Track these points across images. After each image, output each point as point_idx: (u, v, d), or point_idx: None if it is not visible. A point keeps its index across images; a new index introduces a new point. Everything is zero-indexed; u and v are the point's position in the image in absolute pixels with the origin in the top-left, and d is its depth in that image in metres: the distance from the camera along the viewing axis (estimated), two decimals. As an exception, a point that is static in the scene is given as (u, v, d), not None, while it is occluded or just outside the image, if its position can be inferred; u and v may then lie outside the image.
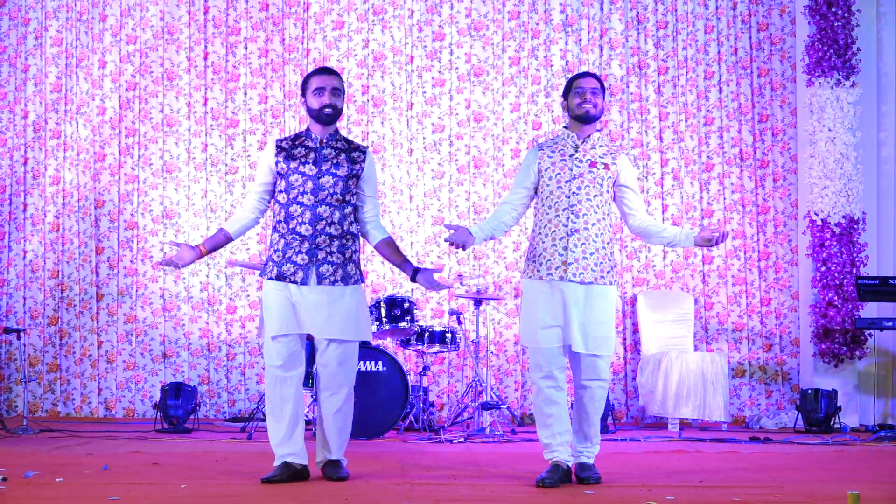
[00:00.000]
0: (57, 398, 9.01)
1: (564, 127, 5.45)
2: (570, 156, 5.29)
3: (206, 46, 9.34)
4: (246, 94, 9.33)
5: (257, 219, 5.38)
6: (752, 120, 9.51)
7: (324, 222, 5.15)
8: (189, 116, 9.28)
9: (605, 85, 9.27)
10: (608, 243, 5.28)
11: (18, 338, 7.89)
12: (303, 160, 5.19)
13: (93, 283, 9.09)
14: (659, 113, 9.49)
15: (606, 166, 5.28)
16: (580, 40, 9.48)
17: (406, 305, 7.89)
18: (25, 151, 9.20)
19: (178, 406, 7.92)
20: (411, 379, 7.96)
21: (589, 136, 5.34)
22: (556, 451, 5.19)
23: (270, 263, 5.20)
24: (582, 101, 5.26)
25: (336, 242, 5.18)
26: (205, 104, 9.31)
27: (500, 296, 8.51)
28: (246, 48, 9.36)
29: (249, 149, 9.27)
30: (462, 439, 7.32)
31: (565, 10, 9.50)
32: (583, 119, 5.29)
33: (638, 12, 9.55)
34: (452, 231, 5.19)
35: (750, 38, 9.55)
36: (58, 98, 9.23)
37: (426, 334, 7.93)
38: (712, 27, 9.55)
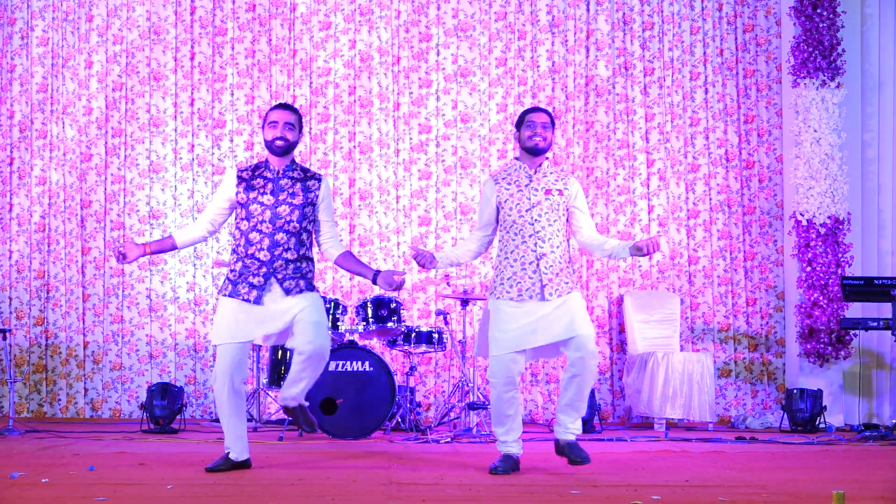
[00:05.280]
0: (43, 398, 8.99)
1: (515, 158, 5.84)
2: (526, 185, 5.71)
3: (192, 47, 9.34)
4: (233, 94, 9.33)
5: (206, 237, 5.83)
6: (738, 121, 9.54)
7: (281, 248, 5.56)
8: (175, 117, 9.27)
9: (585, 90, 9.36)
10: (568, 260, 5.74)
11: (4, 338, 7.86)
12: (261, 191, 5.60)
13: (79, 284, 9.07)
14: (645, 114, 9.51)
15: (560, 192, 5.71)
16: (566, 41, 9.50)
17: (393, 306, 7.90)
18: (11, 151, 9.17)
19: (164, 406, 7.91)
20: (398, 379, 7.97)
21: (540, 166, 5.76)
22: (511, 446, 5.65)
23: (226, 282, 5.62)
24: (532, 135, 5.68)
25: (291, 266, 5.58)
26: (191, 104, 9.30)
27: (486, 296, 8.51)
28: (233, 48, 9.36)
29: (236, 149, 9.27)
30: (448, 439, 7.33)
31: (552, 11, 9.52)
32: (532, 151, 5.71)
33: (624, 13, 9.57)
34: (414, 252, 5.62)
35: (736, 39, 9.58)
36: (44, 98, 9.21)
37: (413, 334, 7.94)
38: (698, 28, 9.58)
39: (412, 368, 8.09)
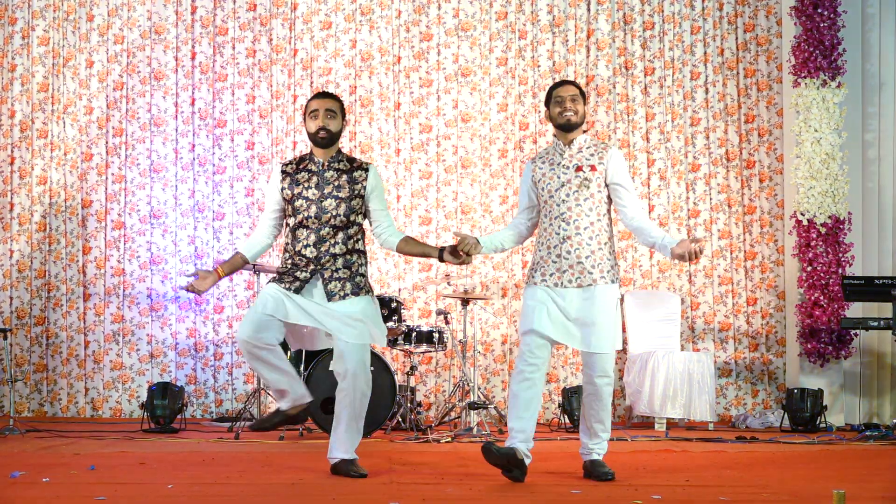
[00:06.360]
0: (44, 398, 8.99)
1: (554, 135, 5.50)
2: (558, 164, 5.39)
3: (193, 46, 9.34)
4: (233, 94, 9.33)
5: (271, 244, 5.60)
6: (739, 120, 9.54)
7: (328, 244, 5.35)
8: (176, 116, 9.28)
9: (586, 89, 9.34)
10: (605, 243, 5.33)
11: (5, 338, 7.87)
12: (306, 185, 5.39)
13: (80, 283, 9.07)
14: (645, 113, 9.51)
15: (593, 167, 5.33)
16: (567, 41, 9.50)
17: (394, 305, 7.89)
18: (12, 151, 9.18)
19: (164, 406, 7.91)
20: (399, 378, 7.97)
21: (573, 141, 5.41)
22: (512, 440, 5.26)
23: (277, 274, 5.44)
24: (562, 111, 5.37)
25: (340, 260, 5.36)
26: (192, 104, 9.30)
27: (487, 296, 8.51)
28: (233, 48, 9.36)
29: (237, 149, 9.27)
30: (449, 439, 7.32)
31: (552, 10, 9.52)
32: (564, 127, 5.39)
33: (625, 13, 9.57)
34: (460, 238, 5.35)
35: (736, 38, 9.59)
36: (45, 98, 9.21)
37: (413, 334, 7.93)
38: (699, 28, 9.58)
39: (413, 368, 8.09)
